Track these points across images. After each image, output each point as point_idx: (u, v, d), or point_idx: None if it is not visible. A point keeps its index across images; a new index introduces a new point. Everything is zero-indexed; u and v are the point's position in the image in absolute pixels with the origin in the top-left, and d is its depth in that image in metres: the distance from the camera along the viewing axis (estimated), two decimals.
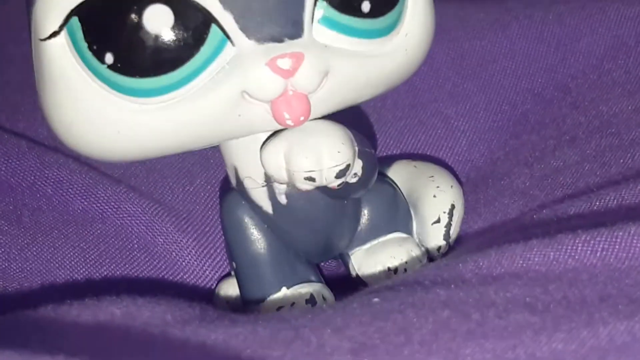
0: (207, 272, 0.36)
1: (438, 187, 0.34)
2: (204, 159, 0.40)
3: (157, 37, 0.25)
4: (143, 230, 0.37)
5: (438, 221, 0.33)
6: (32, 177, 0.38)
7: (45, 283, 0.34)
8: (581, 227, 0.26)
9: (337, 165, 0.28)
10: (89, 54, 0.26)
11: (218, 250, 0.37)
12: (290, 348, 0.23)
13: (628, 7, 0.42)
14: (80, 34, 0.25)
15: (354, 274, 0.33)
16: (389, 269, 0.32)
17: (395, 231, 0.33)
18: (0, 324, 0.26)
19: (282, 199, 0.30)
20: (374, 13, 0.27)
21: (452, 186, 0.34)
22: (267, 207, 0.31)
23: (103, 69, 0.25)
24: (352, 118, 0.30)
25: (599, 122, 0.37)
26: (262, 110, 0.27)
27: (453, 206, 0.34)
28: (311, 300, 0.31)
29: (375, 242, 0.33)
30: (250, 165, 0.30)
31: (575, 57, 0.42)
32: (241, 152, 0.30)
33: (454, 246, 0.34)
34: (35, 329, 0.25)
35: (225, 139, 0.29)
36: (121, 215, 0.37)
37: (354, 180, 0.30)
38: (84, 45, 0.25)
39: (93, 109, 0.26)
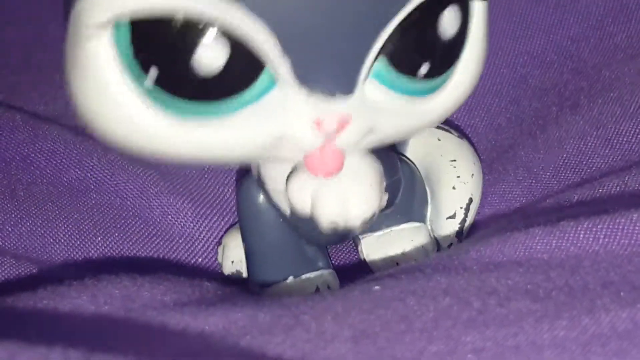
0: (203, 234, 0.36)
1: (459, 176, 0.33)
2: None
3: (207, 68, 0.23)
4: (137, 195, 0.37)
5: (453, 217, 0.33)
6: (26, 150, 0.37)
7: (42, 258, 0.34)
8: (583, 215, 0.26)
9: (362, 215, 0.28)
10: (133, 62, 0.23)
11: (214, 212, 0.37)
12: (291, 334, 0.23)
13: None
14: (127, 36, 0.23)
15: (362, 257, 0.33)
16: (397, 263, 0.32)
17: (409, 221, 0.33)
18: None
19: None
20: (431, 75, 0.25)
21: (472, 175, 0.33)
22: (286, 208, 0.30)
23: (146, 80, 0.23)
24: None
25: (601, 86, 0.37)
26: (297, 154, 0.25)
27: (470, 200, 0.33)
28: (316, 292, 0.31)
29: (387, 230, 0.33)
30: (273, 173, 0.29)
31: (574, 17, 0.41)
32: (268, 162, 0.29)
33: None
34: (33, 313, 0.25)
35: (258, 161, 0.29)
36: (115, 182, 0.37)
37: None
38: (130, 50, 0.23)
39: (128, 116, 0.24)
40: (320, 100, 0.24)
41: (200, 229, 0.36)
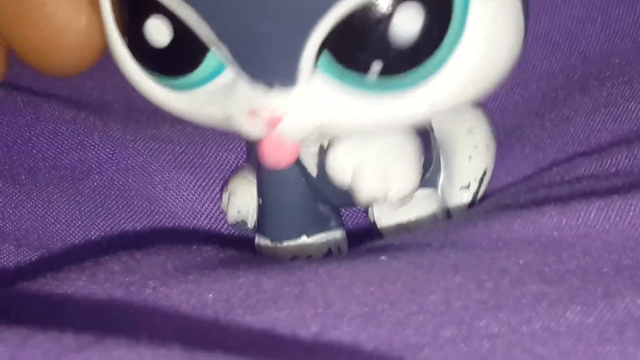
0: (206, 205, 0.36)
1: (476, 146, 0.32)
2: None
3: (156, 43, 0.25)
4: (139, 172, 0.36)
5: (467, 187, 0.32)
6: (28, 134, 0.37)
7: (42, 239, 0.34)
8: (593, 193, 0.26)
9: (403, 192, 0.28)
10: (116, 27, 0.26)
11: (216, 183, 0.36)
12: (297, 306, 0.23)
13: None
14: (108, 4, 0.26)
15: (371, 220, 0.33)
16: (407, 230, 0.31)
17: (421, 187, 0.32)
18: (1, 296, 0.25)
19: None
20: (388, 73, 0.23)
21: (488, 146, 0.32)
22: (312, 169, 0.30)
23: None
24: None
25: (611, 72, 0.36)
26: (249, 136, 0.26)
27: (485, 172, 0.32)
28: (328, 255, 0.31)
29: None
30: None
31: None
32: None
33: None
34: (37, 299, 0.25)
35: None
36: (116, 160, 0.37)
37: None
38: (112, 17, 0.26)
39: (127, 71, 0.27)
40: (259, 90, 0.24)
41: (203, 201, 0.36)
